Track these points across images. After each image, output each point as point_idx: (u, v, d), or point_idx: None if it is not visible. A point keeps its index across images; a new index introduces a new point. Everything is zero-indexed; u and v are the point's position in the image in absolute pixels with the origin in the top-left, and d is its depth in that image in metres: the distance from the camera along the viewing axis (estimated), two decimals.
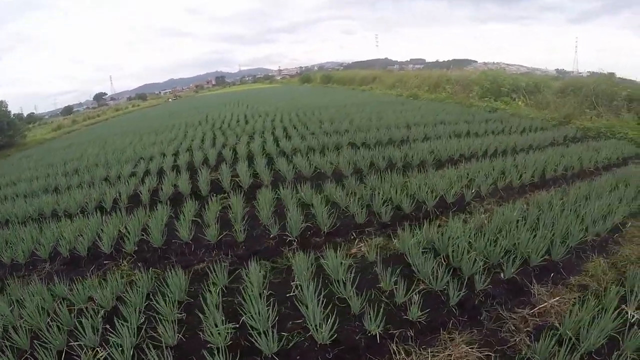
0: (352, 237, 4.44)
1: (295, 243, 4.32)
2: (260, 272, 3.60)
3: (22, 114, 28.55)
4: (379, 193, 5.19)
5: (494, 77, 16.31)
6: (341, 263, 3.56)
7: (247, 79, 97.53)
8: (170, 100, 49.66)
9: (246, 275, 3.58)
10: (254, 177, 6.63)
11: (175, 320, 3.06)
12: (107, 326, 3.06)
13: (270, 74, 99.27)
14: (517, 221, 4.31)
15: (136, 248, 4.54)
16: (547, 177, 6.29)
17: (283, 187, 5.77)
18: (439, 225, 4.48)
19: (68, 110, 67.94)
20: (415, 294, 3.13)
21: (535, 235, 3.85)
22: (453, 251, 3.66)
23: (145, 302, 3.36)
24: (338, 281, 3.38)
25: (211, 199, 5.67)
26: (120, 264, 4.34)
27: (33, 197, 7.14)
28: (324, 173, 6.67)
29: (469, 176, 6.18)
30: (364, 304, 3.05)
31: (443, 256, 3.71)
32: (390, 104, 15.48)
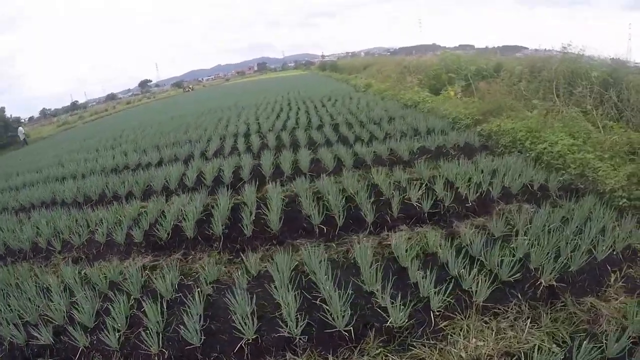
0: None
1: None
2: None
3: (18, 117, 28.75)
4: None
5: (447, 62, 11.66)
6: None
7: (290, 65, 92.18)
8: (189, 90, 48.74)
9: None
10: None
11: None
12: None
13: (315, 60, 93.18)
14: None
15: None
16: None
17: None
18: None
19: (111, 97, 67.68)
20: None
21: None
22: None
23: None
24: None
25: None
26: None
27: None
28: None
29: None
30: None
31: None
32: (306, 100, 11.83)
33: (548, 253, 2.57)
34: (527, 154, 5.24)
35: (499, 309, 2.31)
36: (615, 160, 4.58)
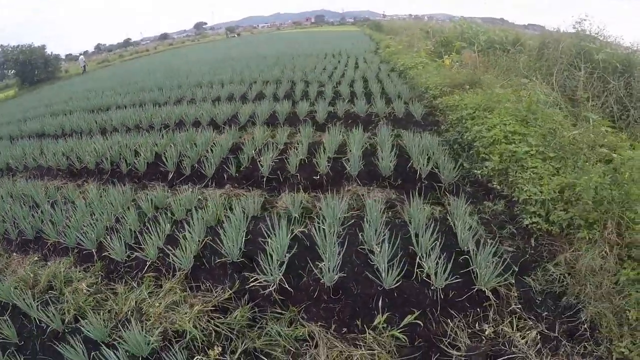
0: None
1: None
2: None
3: (58, 54, 30.10)
4: None
5: (463, 30, 10.21)
6: None
7: (349, 20, 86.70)
8: (235, 36, 47.97)
9: None
10: None
11: None
12: None
13: (375, 18, 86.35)
14: None
15: None
16: None
17: None
18: None
19: (164, 37, 68.44)
20: None
21: None
22: None
23: None
24: None
25: None
26: None
27: None
28: None
29: None
30: None
31: None
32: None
33: None
34: (465, 136, 4.47)
35: (207, 286, 2.07)
36: (565, 162, 3.47)
